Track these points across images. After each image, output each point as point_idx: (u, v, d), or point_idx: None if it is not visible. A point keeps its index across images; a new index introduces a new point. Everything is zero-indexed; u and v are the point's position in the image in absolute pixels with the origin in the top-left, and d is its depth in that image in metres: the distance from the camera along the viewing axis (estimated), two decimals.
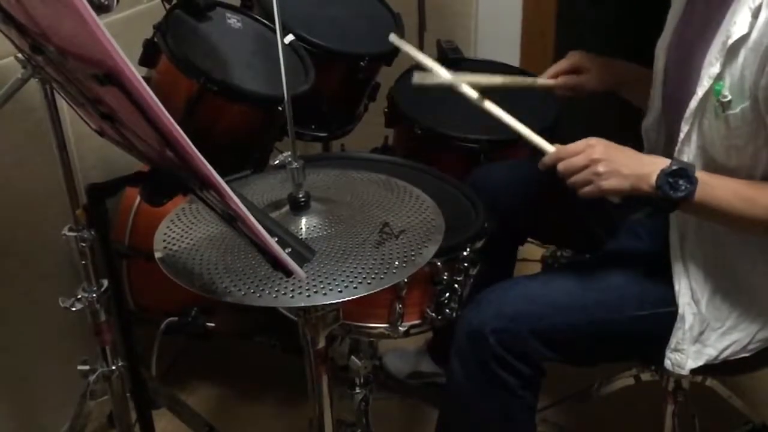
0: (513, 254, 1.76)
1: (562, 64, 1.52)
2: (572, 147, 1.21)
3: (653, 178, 1.15)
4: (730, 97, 1.13)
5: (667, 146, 1.41)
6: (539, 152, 1.59)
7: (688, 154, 1.22)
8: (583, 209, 1.37)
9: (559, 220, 1.56)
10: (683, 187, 1.13)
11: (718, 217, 1.18)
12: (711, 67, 1.16)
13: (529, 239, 1.82)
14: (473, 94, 1.33)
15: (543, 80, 1.53)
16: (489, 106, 1.32)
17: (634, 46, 1.64)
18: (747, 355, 1.28)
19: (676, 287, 1.27)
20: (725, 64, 1.14)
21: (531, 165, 1.54)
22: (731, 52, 1.13)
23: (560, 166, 1.21)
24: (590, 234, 1.52)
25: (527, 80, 1.55)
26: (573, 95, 1.54)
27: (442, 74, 1.34)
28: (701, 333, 1.26)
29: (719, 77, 1.14)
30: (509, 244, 1.71)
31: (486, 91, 1.37)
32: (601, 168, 1.17)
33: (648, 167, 1.16)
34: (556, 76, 1.52)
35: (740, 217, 1.16)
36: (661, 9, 1.39)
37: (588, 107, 1.55)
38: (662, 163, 1.17)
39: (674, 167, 1.14)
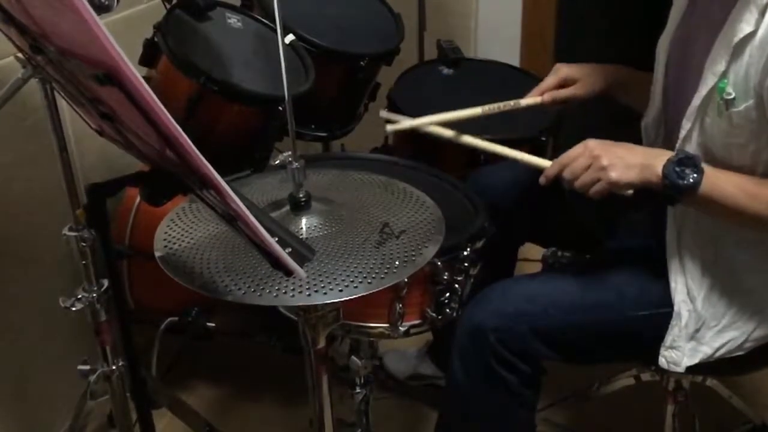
0: (513, 256, 1.75)
1: (549, 81, 1.48)
2: (571, 151, 1.21)
3: (659, 168, 1.14)
4: (734, 95, 1.13)
5: (666, 143, 1.41)
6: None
7: (689, 151, 1.22)
8: (582, 210, 1.37)
9: (558, 222, 1.56)
10: (690, 176, 1.13)
11: (720, 210, 1.17)
12: (716, 65, 1.15)
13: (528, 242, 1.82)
14: (448, 133, 1.36)
15: (528, 100, 1.48)
16: (468, 139, 1.35)
17: (634, 46, 1.64)
18: (742, 353, 1.27)
19: (672, 284, 1.27)
20: (730, 62, 1.13)
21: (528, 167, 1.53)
22: (737, 49, 1.12)
23: (566, 173, 1.20)
24: (590, 235, 1.51)
25: (509, 103, 1.46)
26: (564, 106, 1.51)
27: (413, 122, 1.39)
28: (697, 330, 1.26)
29: (723, 75, 1.14)
30: (509, 247, 1.70)
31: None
32: (604, 161, 1.16)
33: (653, 158, 1.16)
34: (541, 93, 1.48)
35: (742, 212, 1.15)
36: (663, 9, 1.39)
37: (587, 106, 1.54)
38: (666, 153, 1.16)
39: (681, 156, 1.14)
